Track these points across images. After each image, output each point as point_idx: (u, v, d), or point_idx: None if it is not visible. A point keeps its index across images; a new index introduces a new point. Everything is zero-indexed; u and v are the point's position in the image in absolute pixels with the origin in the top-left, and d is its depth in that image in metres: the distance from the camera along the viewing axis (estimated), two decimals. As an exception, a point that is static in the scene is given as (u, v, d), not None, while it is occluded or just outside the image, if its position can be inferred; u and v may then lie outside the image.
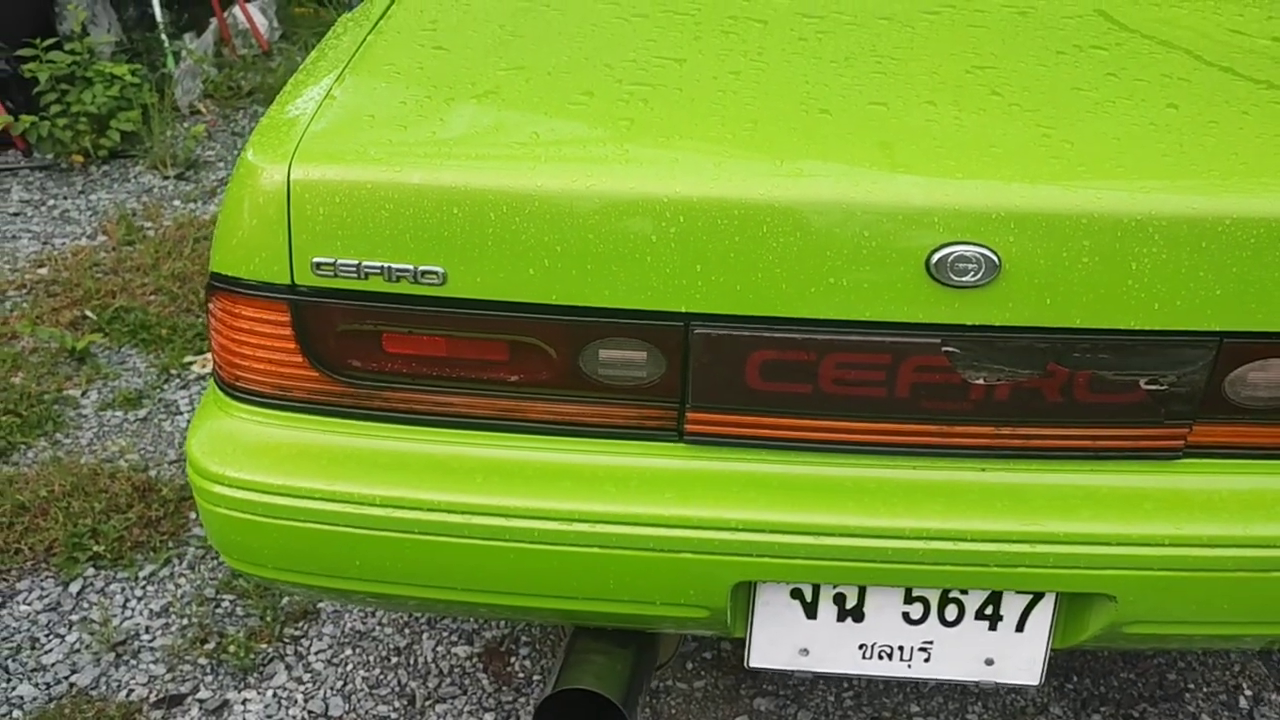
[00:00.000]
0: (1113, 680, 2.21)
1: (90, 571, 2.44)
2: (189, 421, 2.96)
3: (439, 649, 2.26)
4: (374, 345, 1.44)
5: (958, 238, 1.32)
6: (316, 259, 1.38)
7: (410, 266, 1.37)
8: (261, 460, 1.49)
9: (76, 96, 4.31)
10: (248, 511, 1.48)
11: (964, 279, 1.32)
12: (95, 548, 2.48)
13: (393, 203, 1.35)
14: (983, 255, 1.31)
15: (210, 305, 1.50)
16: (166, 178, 4.35)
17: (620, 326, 1.38)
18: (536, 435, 1.47)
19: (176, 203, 4.18)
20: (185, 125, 4.75)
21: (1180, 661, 2.26)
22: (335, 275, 1.39)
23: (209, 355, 3.23)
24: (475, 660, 2.24)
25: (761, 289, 1.35)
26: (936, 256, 1.32)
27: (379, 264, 1.37)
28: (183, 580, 2.42)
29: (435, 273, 1.37)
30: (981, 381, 1.38)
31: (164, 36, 4.95)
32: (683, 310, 1.36)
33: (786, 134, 1.42)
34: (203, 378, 3.14)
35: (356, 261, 1.37)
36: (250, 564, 1.56)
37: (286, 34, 5.91)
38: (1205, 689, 2.20)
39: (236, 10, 5.53)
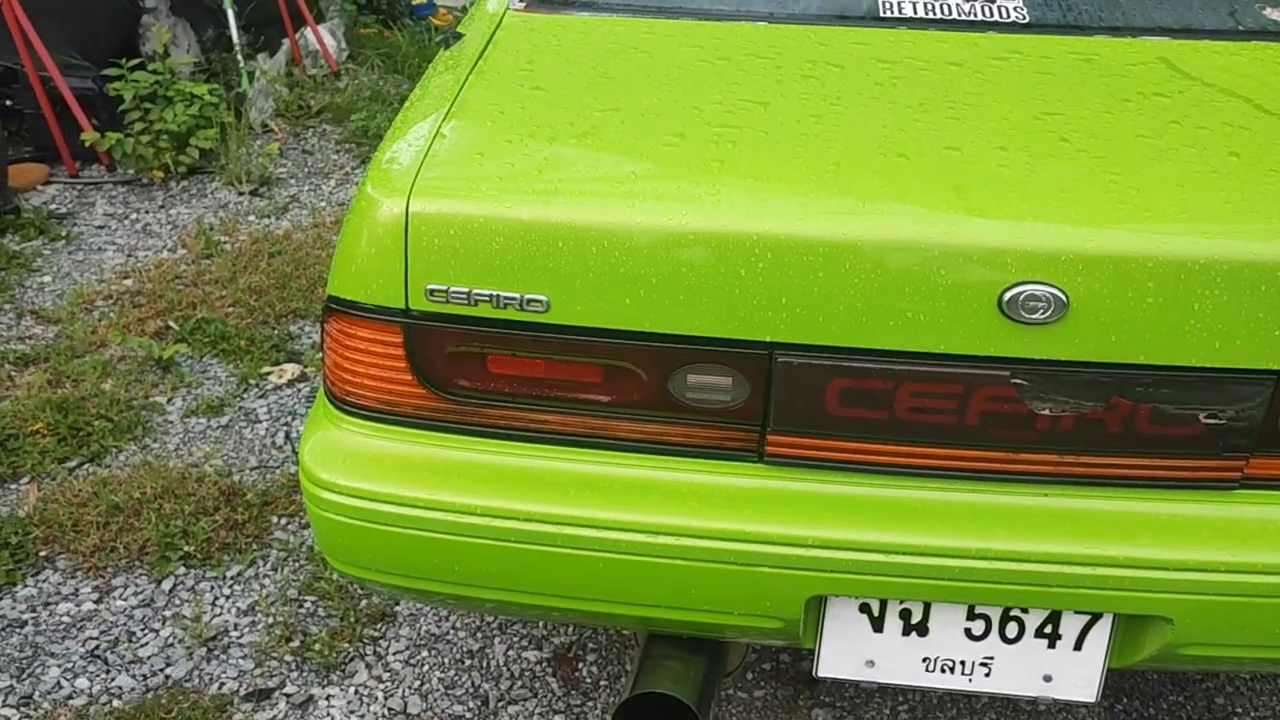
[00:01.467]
0: (1162, 703, 2.28)
1: (181, 570, 2.58)
2: (267, 429, 3.10)
3: (510, 653, 2.37)
4: (479, 366, 1.55)
5: (1028, 277, 1.41)
6: (430, 286, 1.50)
7: (517, 295, 1.48)
8: (369, 470, 1.60)
9: (159, 114, 4.49)
10: (354, 517, 1.60)
11: (1034, 316, 1.41)
12: (186, 548, 2.61)
13: (502, 235, 1.47)
14: (1052, 295, 1.40)
15: (326, 325, 1.62)
16: (242, 194, 4.52)
17: (708, 354, 1.49)
18: (625, 453, 1.58)
19: (251, 218, 4.34)
20: (259, 143, 4.93)
21: (1229, 686, 2.32)
22: (447, 301, 1.50)
23: (285, 367, 3.38)
24: (545, 664, 2.34)
25: (842, 321, 1.45)
26: (1008, 295, 1.41)
27: (488, 292, 1.48)
28: (267, 581, 2.55)
29: (539, 301, 1.48)
30: (1047, 412, 1.47)
31: (240, 57, 5.14)
32: (767, 340, 1.47)
33: (867, 176, 1.52)
34: (279, 388, 3.28)
35: (467, 289, 1.49)
36: (354, 566, 1.67)
37: (353, 54, 6.09)
38: (1253, 714, 2.26)
39: (308, 32, 5.71)
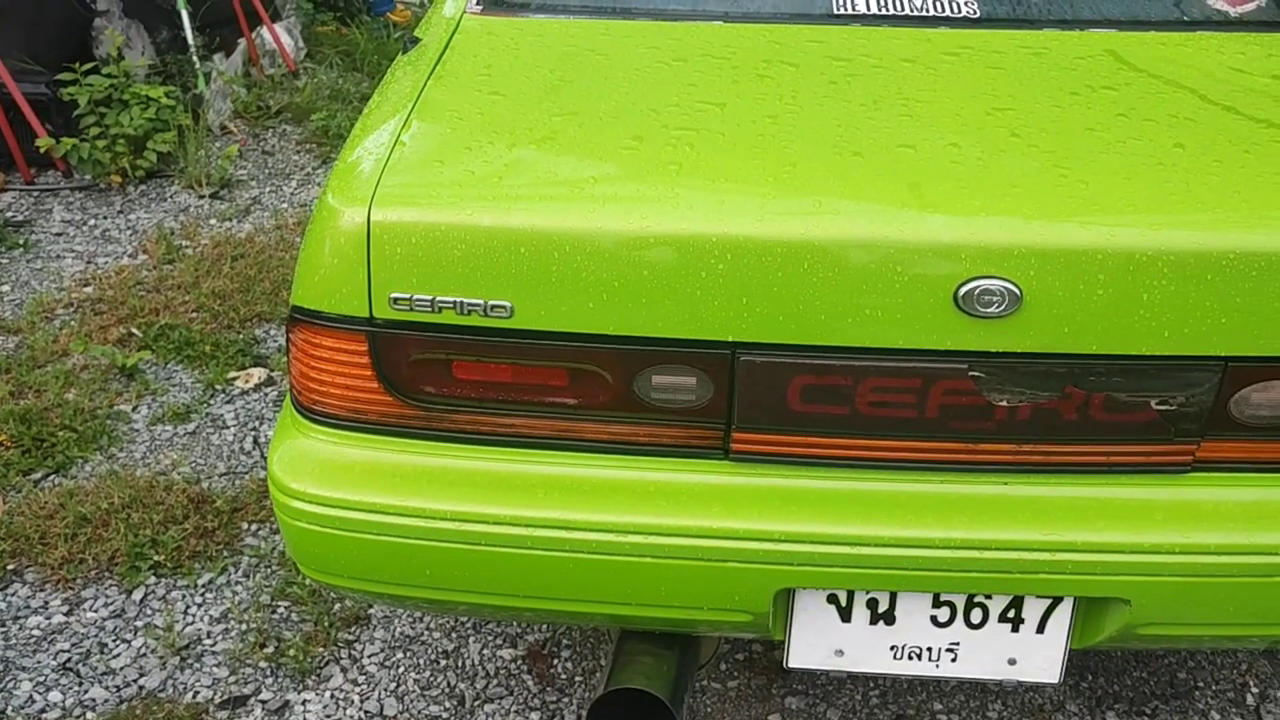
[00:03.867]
0: (1126, 679, 2.33)
1: (151, 579, 2.57)
2: (235, 435, 3.09)
3: (485, 652, 2.38)
4: (444, 372, 1.56)
5: (982, 272, 1.44)
6: (394, 294, 1.51)
7: (481, 301, 1.49)
8: (338, 478, 1.61)
9: (114, 119, 4.45)
10: (325, 525, 1.61)
11: (989, 310, 1.44)
12: (155, 557, 2.61)
13: (464, 242, 1.48)
14: (1005, 288, 1.43)
15: (291, 335, 1.62)
16: (202, 197, 4.49)
17: (672, 354, 1.51)
18: (593, 454, 1.59)
19: (213, 221, 4.31)
20: (218, 145, 4.89)
21: (1190, 661, 2.38)
22: (411, 309, 1.51)
23: (251, 372, 3.37)
24: (520, 662, 2.36)
25: (802, 320, 1.47)
26: (963, 289, 1.44)
27: (452, 299, 1.50)
28: (239, 588, 2.55)
29: (503, 307, 1.49)
30: (1004, 403, 1.50)
31: (195, 59, 5.09)
32: (730, 339, 1.49)
33: (823, 175, 1.54)
34: (246, 393, 3.27)
35: (431, 296, 1.50)
36: (326, 574, 1.68)
37: (311, 53, 6.05)
38: (1214, 687, 2.32)
39: (264, 31, 5.67)
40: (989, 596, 1.63)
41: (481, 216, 1.48)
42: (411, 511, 1.58)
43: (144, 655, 2.37)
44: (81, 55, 4.64)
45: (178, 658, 2.36)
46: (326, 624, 2.43)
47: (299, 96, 5.43)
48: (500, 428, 1.59)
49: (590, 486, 1.59)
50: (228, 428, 3.13)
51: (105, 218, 4.34)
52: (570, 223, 1.47)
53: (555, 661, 2.36)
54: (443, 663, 2.36)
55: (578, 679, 2.32)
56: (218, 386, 3.30)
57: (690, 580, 1.58)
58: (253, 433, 3.10)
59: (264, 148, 5.03)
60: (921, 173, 1.54)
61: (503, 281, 1.48)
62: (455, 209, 1.49)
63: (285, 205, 4.49)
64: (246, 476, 2.92)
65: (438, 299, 1.50)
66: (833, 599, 1.64)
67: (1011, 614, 1.64)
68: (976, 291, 1.44)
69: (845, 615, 1.66)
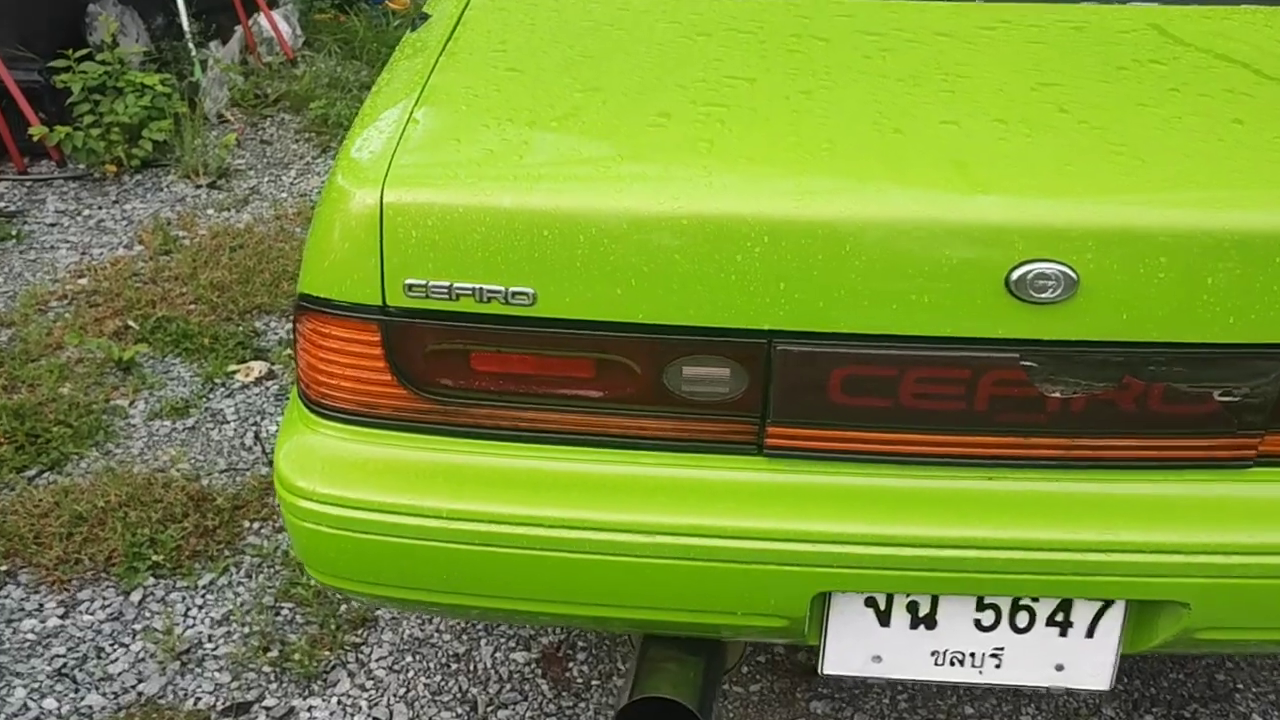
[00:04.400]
0: (1163, 681, 2.25)
1: (150, 581, 2.48)
2: (236, 430, 3.00)
3: (498, 655, 2.30)
4: (462, 364, 1.47)
5: (1037, 255, 1.35)
6: (409, 281, 1.41)
7: (501, 288, 1.40)
8: (348, 475, 1.52)
9: (109, 106, 4.35)
10: (334, 526, 1.52)
11: (1043, 295, 1.35)
12: (154, 557, 2.52)
13: (484, 225, 1.39)
14: (1061, 272, 1.34)
15: (298, 325, 1.53)
16: (199, 186, 4.39)
17: (704, 344, 1.42)
18: (620, 450, 1.50)
19: (210, 211, 4.22)
20: (215, 134, 4.79)
21: (1228, 663, 2.29)
22: (427, 296, 1.42)
23: (251, 365, 3.28)
24: (534, 666, 2.28)
25: (844, 307, 1.38)
26: (1016, 274, 1.35)
27: (470, 285, 1.41)
28: (241, 589, 2.46)
29: (525, 294, 1.40)
30: (1058, 394, 1.41)
31: (191, 45, 4.99)
32: (766, 328, 1.40)
33: (863, 153, 1.45)
34: (246, 387, 3.18)
35: (448, 283, 1.41)
36: (336, 577, 1.60)
37: (309, 41, 5.95)
38: (1255, 689, 2.24)
39: (261, 18, 5.57)
40: (1036, 599, 1.54)
41: (502, 197, 1.39)
42: (426, 511, 1.49)
43: (143, 660, 2.28)
44: (75, 42, 4.53)
45: (178, 662, 2.27)
46: (332, 626, 2.34)
47: (297, 85, 5.33)
48: (521, 423, 1.50)
49: (617, 484, 1.49)
50: (228, 423, 3.04)
51: (100, 208, 4.24)
52: (596, 203, 1.38)
53: (571, 665, 2.28)
54: (454, 666, 2.27)
55: (594, 683, 2.24)
56: (217, 380, 3.21)
57: (723, 584, 1.49)
58: (254, 428, 3.01)
59: (262, 136, 4.93)
60: (967, 150, 1.45)
61: (524, 267, 1.39)
62: (473, 189, 1.40)
63: (284, 195, 4.39)
64: (248, 473, 2.83)
65: (455, 286, 1.41)
66: (870, 602, 1.55)
67: (1060, 617, 1.56)
68: (1030, 276, 1.35)
69: (884, 619, 1.57)
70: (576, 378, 1.47)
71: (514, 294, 1.40)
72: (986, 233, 1.36)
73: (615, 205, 1.38)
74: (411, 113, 1.55)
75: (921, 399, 1.43)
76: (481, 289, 1.41)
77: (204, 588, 2.47)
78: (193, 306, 3.55)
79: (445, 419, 1.52)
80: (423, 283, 1.42)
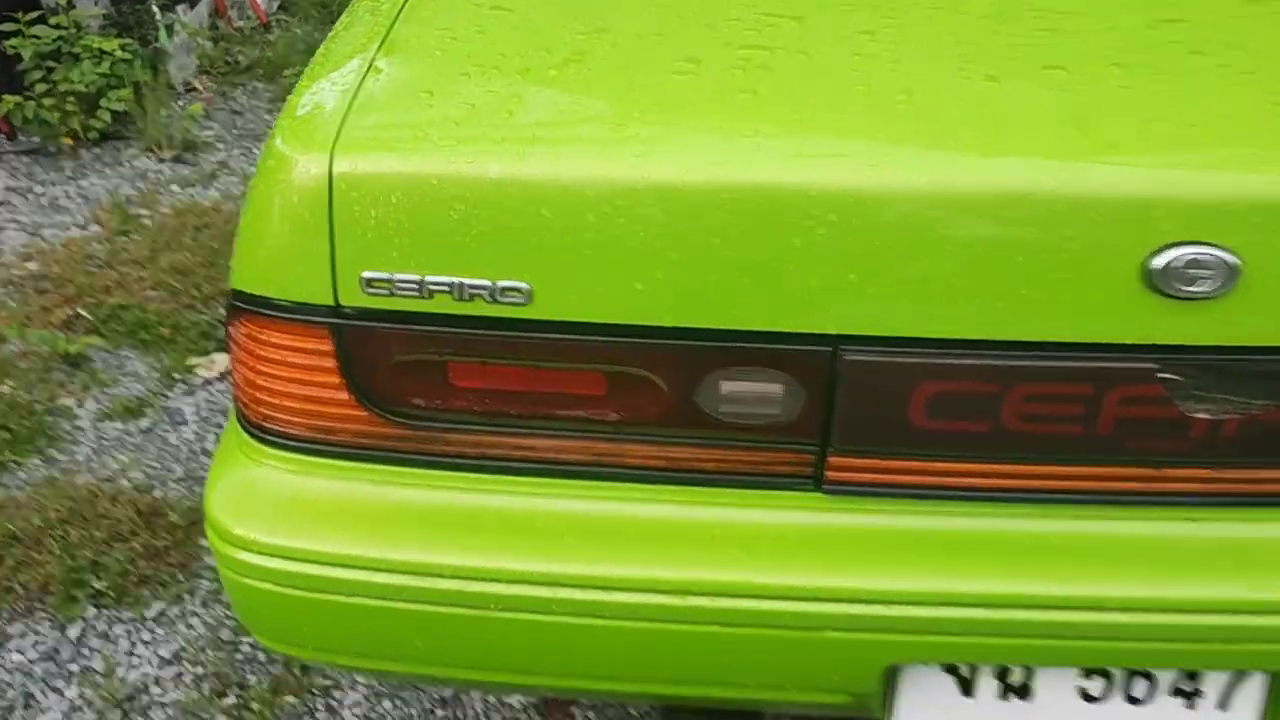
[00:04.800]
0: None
1: (91, 612, 2.17)
2: (196, 433, 2.68)
3: (489, 699, 1.99)
4: (438, 378, 1.16)
5: (1185, 237, 1.03)
6: (368, 274, 1.10)
7: (487, 282, 1.08)
8: (299, 520, 1.21)
9: (64, 74, 4.01)
10: (283, 584, 1.21)
11: (1192, 289, 1.04)
12: (96, 584, 2.20)
13: (464, 202, 1.07)
14: (1219, 259, 1.03)
15: (230, 329, 1.21)
16: (162, 160, 4.05)
17: (750, 353, 1.10)
18: (639, 485, 1.19)
19: (174, 188, 3.89)
20: (181, 104, 4.45)
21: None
22: (391, 294, 1.10)
23: (215, 358, 2.95)
24: (532, 711, 1.97)
25: (934, 304, 1.07)
26: (1158, 262, 1.03)
27: (447, 280, 1.09)
28: (195, 621, 2.15)
29: (518, 290, 1.08)
30: (1205, 415, 1.10)
31: (155, 8, 4.63)
32: (830, 332, 1.08)
33: (950, 107, 1.13)
34: (210, 382, 2.86)
35: (419, 277, 1.09)
36: (287, 644, 1.28)
37: (284, 4, 5.59)
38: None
39: (232, -21, 5.21)
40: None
41: (487, 165, 1.06)
42: (398, 566, 1.18)
43: (79, 709, 1.97)
44: (25, 4, 4.18)
45: (119, 711, 1.96)
46: (299, 666, 2.03)
47: (270, 51, 4.98)
48: (515, 451, 1.19)
49: (636, 529, 1.18)
50: (187, 424, 2.72)
51: (54, 184, 3.90)
52: (609, 173, 1.06)
53: (573, 708, 1.97)
54: (440, 713, 1.97)
55: (602, 732, 1.93)
56: (176, 375, 2.89)
57: (769, 654, 1.18)
58: (216, 429, 2.69)
59: (232, 107, 4.59)
60: (1084, 104, 1.13)
61: (517, 256, 1.08)
62: (451, 155, 1.07)
63: (255, 170, 4.05)
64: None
65: (428, 280, 1.09)
66: (951, 668, 1.25)
67: (1186, 686, 1.25)
68: (1176, 264, 1.03)
69: (967, 688, 1.26)
70: (584, 396, 1.15)
71: (503, 290, 1.09)
72: (1119, 209, 1.04)
73: (633, 175, 1.05)
74: (373, 60, 1.22)
75: (1030, 421, 1.11)
76: (462, 284, 1.09)
77: (152, 619, 2.16)
78: (151, 292, 3.23)
79: (419, 447, 1.20)
80: (385, 276, 1.10)
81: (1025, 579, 1.15)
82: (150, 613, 2.17)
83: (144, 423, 2.71)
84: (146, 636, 2.13)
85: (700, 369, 1.11)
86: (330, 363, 1.16)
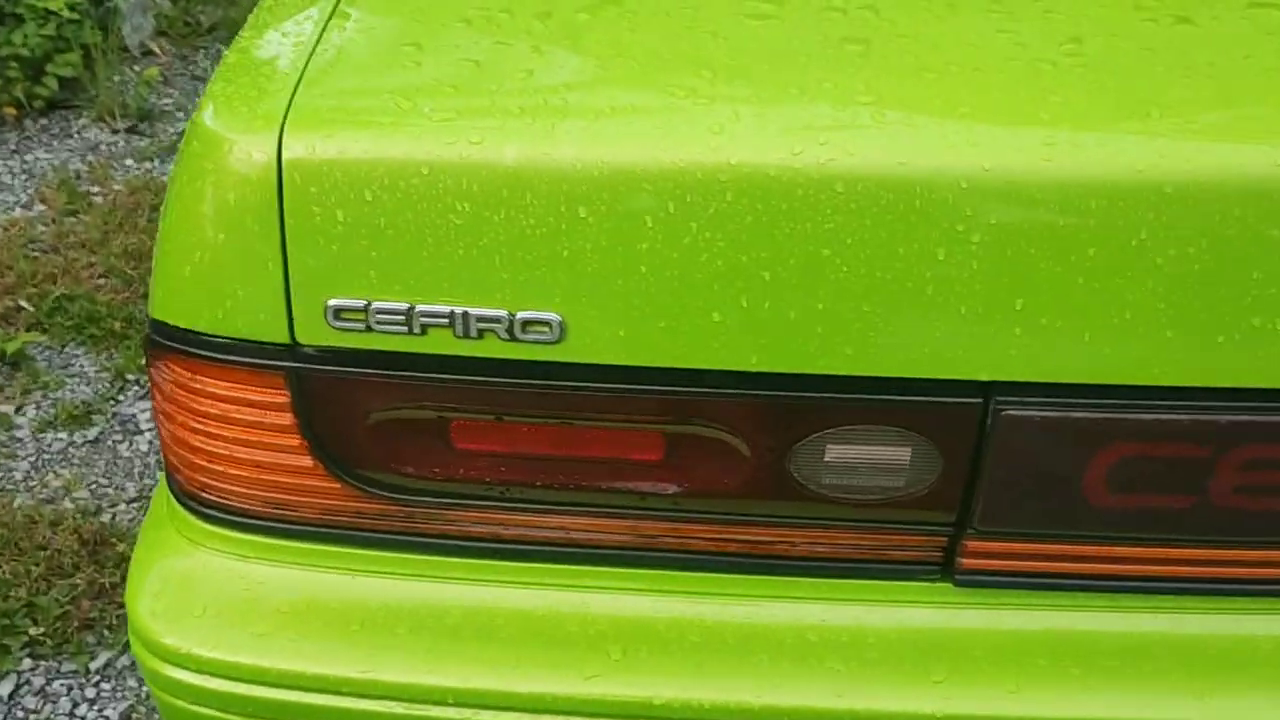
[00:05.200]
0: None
1: (27, 664, 1.86)
2: (151, 443, 2.37)
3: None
4: (435, 440, 0.85)
5: None
6: (335, 301, 0.79)
7: (502, 313, 0.78)
8: (252, 625, 0.90)
9: (5, 37, 3.67)
10: (233, 712, 0.91)
11: None
12: (32, 630, 1.90)
13: (470, 199, 0.75)
14: None
15: (152, 372, 0.90)
16: (116, 131, 3.71)
17: (868, 407, 0.80)
18: (706, 574, 0.89)
19: (129, 161, 3.54)
20: (136, 69, 4.09)
21: None
22: (368, 329, 0.79)
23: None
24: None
25: (1132, 342, 0.76)
26: None
27: (446, 309, 0.78)
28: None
29: (546, 323, 0.78)
30: None
31: (107, -36, 4.27)
32: (982, 379, 0.78)
33: (1148, 63, 0.82)
34: (167, 383, 2.55)
35: (406, 305, 0.78)
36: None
37: (250, -39, 5.22)
38: None
39: (191, -67, 4.83)
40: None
41: (502, 147, 0.75)
42: (387, 689, 0.88)
43: (8, 789, 1.68)
44: (-39, -41, 3.81)
45: (57, 791, 1.67)
46: (269, 731, 1.73)
47: (235, 10, 4.61)
48: (539, 533, 0.88)
49: (701, 634, 0.88)
50: (141, 433, 2.40)
51: (-5, 159, 3.56)
52: (676, 156, 0.75)
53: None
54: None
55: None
56: (130, 376, 2.57)
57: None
58: (174, 438, 2.38)
59: (193, 72, 4.23)
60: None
61: (545, 274, 0.77)
62: (448, 134, 0.76)
63: (176, 158, 3.71)
64: (163, 502, 2.20)
65: (420, 310, 0.78)
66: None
67: None
68: None
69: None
70: (633, 463, 0.85)
71: (526, 324, 0.78)
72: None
73: (707, 160, 0.75)
74: (331, 11, 0.90)
75: (1249, 495, 0.82)
76: (467, 315, 0.78)
77: (98, 671, 1.86)
78: (102, 280, 2.90)
79: (409, 527, 0.89)
80: (360, 304, 0.79)
81: (1235, 695, 0.86)
82: (96, 664, 1.87)
83: (92, 432, 2.40)
84: (91, 693, 1.83)
85: (798, 429, 0.81)
86: (287, 418, 0.85)
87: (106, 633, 1.91)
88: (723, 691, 0.86)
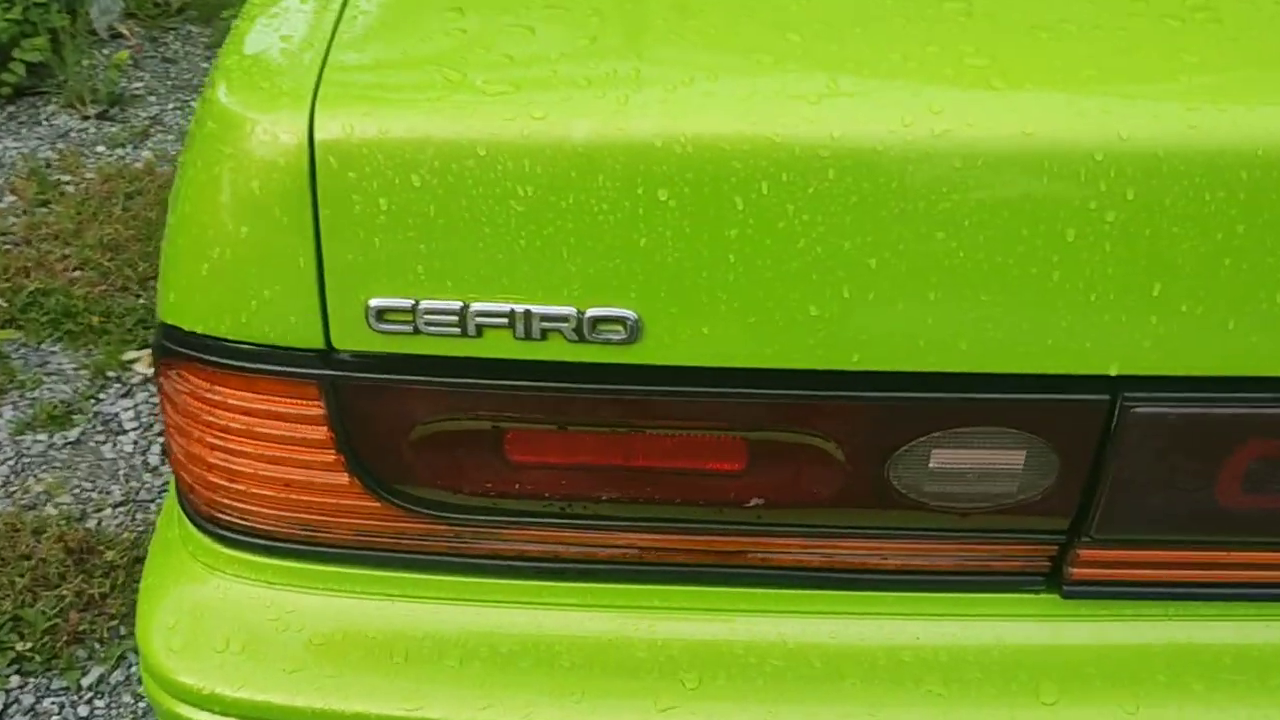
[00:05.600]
0: None
1: (15, 681, 1.76)
2: (135, 443, 2.26)
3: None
4: (488, 453, 0.76)
5: None
6: (377, 302, 0.69)
7: (570, 310, 0.69)
8: (281, 659, 0.81)
9: (-35, 20, 3.52)
10: (264, 758, 0.82)
11: None
12: (19, 645, 1.80)
13: (533, 182, 0.66)
14: None
15: (163, 381, 0.81)
16: (86, 118, 3.58)
17: (982, 408, 0.72)
18: (789, 590, 0.81)
19: (100, 148, 3.42)
20: (105, 53, 3.96)
21: None
22: (415, 331, 0.70)
23: (156, 348, 2.53)
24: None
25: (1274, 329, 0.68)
26: None
27: (505, 307, 0.69)
28: (142, 688, 1.75)
29: (619, 321, 0.69)
30: None
31: (71, -57, 4.12)
32: (1111, 373, 0.70)
33: None
34: (149, 380, 2.43)
35: (458, 304, 0.69)
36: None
37: (218, -62, 5.06)
38: None
39: (156, -90, 4.67)
40: None
41: (570, 123, 0.66)
42: (434, 729, 0.79)
43: (0, 818, 1.58)
44: (-83, -61, 3.66)
45: (52, 819, 1.57)
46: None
47: (206, -10, 4.48)
48: (604, 551, 0.80)
49: (787, 661, 0.80)
50: (125, 432, 2.29)
51: (-41, 149, 3.42)
52: (764, 130, 0.66)
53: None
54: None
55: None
56: (110, 373, 2.46)
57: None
58: (160, 438, 2.27)
59: (164, 54, 4.10)
60: None
61: (616, 268, 0.68)
62: (505, 109, 0.67)
63: (186, 141, 3.58)
64: (152, 505, 2.10)
65: (475, 309, 0.69)
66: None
67: None
68: None
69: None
70: (714, 473, 0.76)
71: (596, 322, 0.69)
72: None
73: (805, 134, 0.66)
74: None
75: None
76: (529, 314, 0.69)
77: (90, 689, 1.76)
78: (77, 273, 2.79)
79: (458, 548, 0.81)
80: (406, 304, 0.69)
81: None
82: (88, 680, 1.77)
83: (73, 433, 2.29)
84: (84, 711, 1.73)
85: (901, 434, 0.72)
86: (321, 432, 0.76)
87: (98, 646, 1.82)
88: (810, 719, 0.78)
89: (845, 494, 0.75)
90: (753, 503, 0.77)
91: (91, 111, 3.62)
